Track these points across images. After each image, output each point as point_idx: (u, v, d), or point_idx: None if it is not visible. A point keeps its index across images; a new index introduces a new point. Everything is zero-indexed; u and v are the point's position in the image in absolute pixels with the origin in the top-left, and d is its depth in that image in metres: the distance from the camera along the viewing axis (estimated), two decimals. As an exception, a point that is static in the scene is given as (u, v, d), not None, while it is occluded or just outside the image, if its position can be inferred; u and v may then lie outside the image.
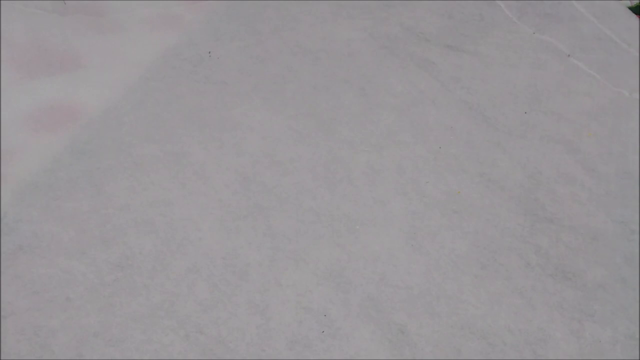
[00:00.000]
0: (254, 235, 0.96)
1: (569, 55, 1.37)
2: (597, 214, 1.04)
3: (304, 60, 1.31)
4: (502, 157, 1.13)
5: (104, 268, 0.89)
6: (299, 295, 0.88)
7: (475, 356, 0.82)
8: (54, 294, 0.85)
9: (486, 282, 0.92)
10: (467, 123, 1.21)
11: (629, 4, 1.54)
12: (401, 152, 1.13)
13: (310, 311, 0.86)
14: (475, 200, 1.05)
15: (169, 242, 0.94)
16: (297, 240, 0.96)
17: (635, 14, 1.52)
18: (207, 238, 0.95)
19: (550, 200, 1.05)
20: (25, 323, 0.81)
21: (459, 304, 0.88)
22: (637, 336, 0.86)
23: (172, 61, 1.29)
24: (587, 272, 0.93)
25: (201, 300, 0.86)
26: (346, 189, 1.05)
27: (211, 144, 1.11)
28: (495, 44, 1.38)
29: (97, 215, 0.96)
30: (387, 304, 0.88)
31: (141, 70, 1.25)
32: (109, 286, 0.87)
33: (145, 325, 0.83)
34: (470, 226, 1.00)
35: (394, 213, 1.02)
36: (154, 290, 0.87)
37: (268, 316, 0.85)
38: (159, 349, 0.80)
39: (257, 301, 0.87)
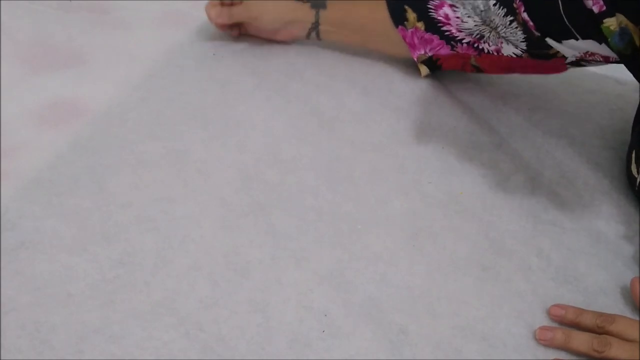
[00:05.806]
0: (256, 234, 0.96)
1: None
2: (600, 216, 1.03)
3: (307, 59, 1.31)
4: (504, 157, 1.13)
5: (105, 264, 0.89)
6: (300, 294, 0.88)
7: (476, 357, 0.82)
8: (55, 290, 0.85)
9: (487, 284, 0.91)
10: (470, 123, 1.20)
11: None
12: (403, 152, 1.13)
13: (311, 310, 0.86)
14: (477, 201, 1.04)
15: (170, 239, 0.94)
16: (298, 239, 0.96)
17: None
18: (208, 236, 0.95)
19: (552, 201, 1.05)
20: (26, 319, 0.81)
21: (460, 306, 0.88)
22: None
23: (176, 59, 1.29)
24: (588, 276, 0.93)
25: (202, 297, 0.86)
26: (348, 188, 1.05)
27: (214, 142, 1.11)
28: (500, 45, 1.37)
29: (99, 211, 0.96)
30: (388, 304, 0.88)
31: (145, 67, 1.25)
32: (110, 283, 0.87)
33: (145, 322, 0.83)
34: (472, 227, 1.00)
35: (395, 213, 1.01)
36: (154, 287, 0.87)
37: (268, 315, 0.85)
38: (159, 346, 0.80)
39: (258, 299, 0.87)
